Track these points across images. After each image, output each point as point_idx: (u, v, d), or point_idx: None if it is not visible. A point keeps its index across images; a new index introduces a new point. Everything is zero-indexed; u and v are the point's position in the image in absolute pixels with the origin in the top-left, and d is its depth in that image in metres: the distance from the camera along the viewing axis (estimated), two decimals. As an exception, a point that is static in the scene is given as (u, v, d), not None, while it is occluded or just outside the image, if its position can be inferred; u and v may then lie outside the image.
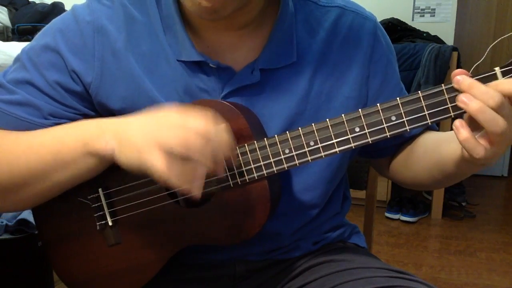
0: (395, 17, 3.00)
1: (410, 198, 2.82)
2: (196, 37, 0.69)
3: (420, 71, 2.57)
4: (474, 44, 3.48)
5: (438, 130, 0.77)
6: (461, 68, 2.58)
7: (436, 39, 2.92)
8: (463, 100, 0.52)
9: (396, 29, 2.93)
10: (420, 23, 3.14)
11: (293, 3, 0.72)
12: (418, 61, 2.61)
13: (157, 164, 0.52)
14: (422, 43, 2.73)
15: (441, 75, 2.53)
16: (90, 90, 0.69)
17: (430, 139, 0.73)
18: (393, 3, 3.16)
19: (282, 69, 0.69)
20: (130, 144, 0.55)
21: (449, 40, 3.09)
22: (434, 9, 3.14)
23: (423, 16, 3.17)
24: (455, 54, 2.56)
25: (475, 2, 3.47)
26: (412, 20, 3.18)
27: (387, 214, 2.78)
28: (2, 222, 1.15)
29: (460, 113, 0.54)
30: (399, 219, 2.74)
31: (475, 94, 0.51)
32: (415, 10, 3.19)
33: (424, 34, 2.95)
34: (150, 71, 0.68)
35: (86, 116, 0.71)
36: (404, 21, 3.01)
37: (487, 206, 2.99)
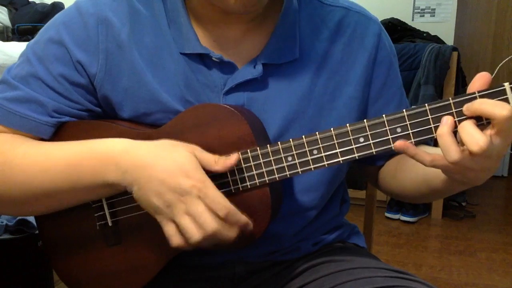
0: (395, 17, 3.00)
1: (410, 198, 2.82)
2: (200, 31, 0.69)
3: (420, 71, 2.57)
4: (474, 44, 3.48)
5: (431, 145, 0.75)
6: (461, 68, 2.55)
7: (436, 39, 2.92)
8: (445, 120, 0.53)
9: (396, 29, 2.93)
10: (420, 23, 3.14)
11: (297, 0, 0.72)
12: (418, 61, 2.61)
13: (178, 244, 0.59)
14: (422, 43, 2.73)
15: (441, 75, 2.53)
16: (95, 82, 0.68)
17: None
18: (393, 3, 3.16)
19: (284, 65, 0.69)
20: (152, 206, 0.58)
21: (449, 40, 3.09)
22: (434, 9, 3.14)
23: (423, 16, 3.17)
24: (455, 54, 2.56)
25: (475, 2, 3.47)
26: (412, 20, 3.18)
27: (387, 214, 2.78)
28: (2, 222, 1.15)
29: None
30: (399, 219, 2.74)
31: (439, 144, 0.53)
32: (415, 10, 3.19)
33: (424, 34, 2.95)
34: (153, 64, 0.68)
35: (89, 112, 0.71)
36: (404, 21, 3.01)
37: (487, 206, 2.99)
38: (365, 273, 0.69)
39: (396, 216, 2.75)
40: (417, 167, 0.68)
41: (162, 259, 0.68)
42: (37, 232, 1.00)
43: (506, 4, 3.42)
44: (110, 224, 0.69)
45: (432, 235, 2.56)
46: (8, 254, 1.13)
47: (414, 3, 3.18)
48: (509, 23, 3.42)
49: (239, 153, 0.62)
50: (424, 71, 2.53)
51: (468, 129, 0.51)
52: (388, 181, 0.78)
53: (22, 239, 1.14)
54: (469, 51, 3.39)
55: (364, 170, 0.86)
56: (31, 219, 1.16)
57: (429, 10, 3.16)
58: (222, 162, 0.60)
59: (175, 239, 0.58)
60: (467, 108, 0.52)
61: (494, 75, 0.63)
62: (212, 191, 0.56)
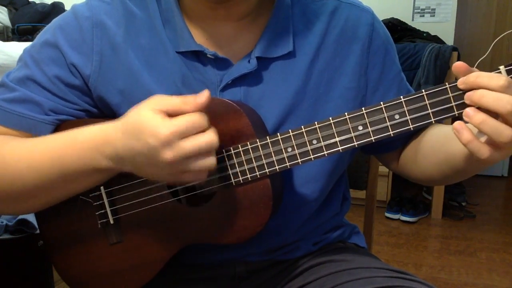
0: (395, 17, 3.01)
1: (410, 198, 2.82)
2: (194, 29, 0.70)
3: (420, 71, 2.57)
4: (474, 44, 3.48)
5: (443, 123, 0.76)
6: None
7: (436, 39, 2.92)
8: (467, 113, 0.52)
9: (396, 29, 2.93)
10: (420, 23, 3.14)
11: None
12: (418, 61, 2.61)
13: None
14: (422, 43, 2.73)
15: (441, 75, 2.53)
16: (89, 83, 0.70)
17: (437, 134, 0.72)
18: (393, 3, 3.17)
19: (279, 59, 0.70)
20: (158, 176, 0.58)
21: (449, 40, 3.09)
22: (434, 9, 3.15)
23: (423, 16, 3.18)
24: (455, 54, 2.56)
25: (475, 2, 3.47)
26: (412, 20, 3.18)
27: (387, 214, 2.78)
28: (2, 222, 1.15)
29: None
30: (399, 219, 2.74)
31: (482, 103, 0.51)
32: (415, 10, 3.19)
33: (424, 34, 2.95)
34: (149, 64, 0.69)
35: (87, 112, 0.72)
36: (404, 21, 3.01)
37: (487, 206, 2.99)
38: (366, 273, 0.69)
39: (396, 216, 2.75)
40: (438, 149, 0.69)
41: (163, 256, 0.69)
42: (37, 232, 1.00)
43: (506, 4, 3.42)
44: (112, 222, 0.69)
45: (432, 235, 2.56)
46: (8, 254, 1.13)
47: (414, 3, 3.18)
48: (509, 23, 3.42)
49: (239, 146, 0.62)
50: (424, 71, 2.54)
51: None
52: (410, 167, 0.77)
53: (22, 239, 1.14)
54: (469, 51, 3.39)
55: (380, 157, 0.85)
56: (31, 219, 1.16)
57: (429, 10, 3.16)
58: (192, 102, 0.55)
59: (199, 177, 0.56)
60: (463, 81, 0.52)
61: (488, 52, 0.64)
62: (184, 126, 0.53)
